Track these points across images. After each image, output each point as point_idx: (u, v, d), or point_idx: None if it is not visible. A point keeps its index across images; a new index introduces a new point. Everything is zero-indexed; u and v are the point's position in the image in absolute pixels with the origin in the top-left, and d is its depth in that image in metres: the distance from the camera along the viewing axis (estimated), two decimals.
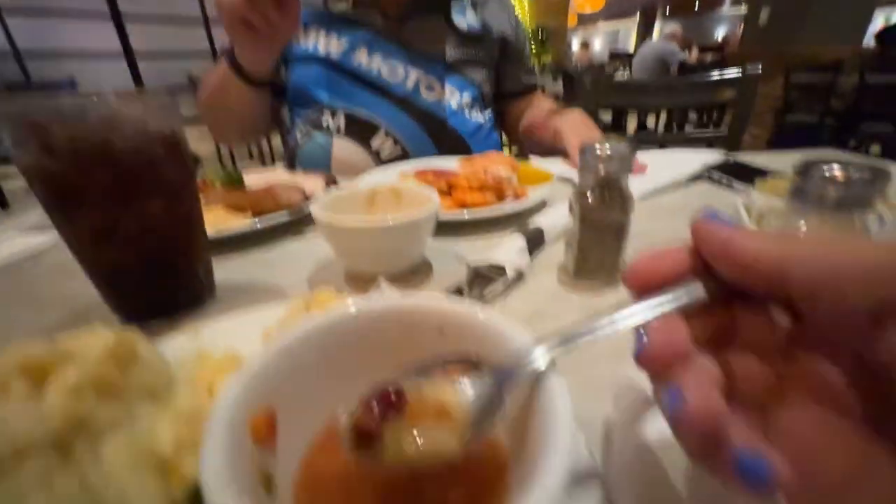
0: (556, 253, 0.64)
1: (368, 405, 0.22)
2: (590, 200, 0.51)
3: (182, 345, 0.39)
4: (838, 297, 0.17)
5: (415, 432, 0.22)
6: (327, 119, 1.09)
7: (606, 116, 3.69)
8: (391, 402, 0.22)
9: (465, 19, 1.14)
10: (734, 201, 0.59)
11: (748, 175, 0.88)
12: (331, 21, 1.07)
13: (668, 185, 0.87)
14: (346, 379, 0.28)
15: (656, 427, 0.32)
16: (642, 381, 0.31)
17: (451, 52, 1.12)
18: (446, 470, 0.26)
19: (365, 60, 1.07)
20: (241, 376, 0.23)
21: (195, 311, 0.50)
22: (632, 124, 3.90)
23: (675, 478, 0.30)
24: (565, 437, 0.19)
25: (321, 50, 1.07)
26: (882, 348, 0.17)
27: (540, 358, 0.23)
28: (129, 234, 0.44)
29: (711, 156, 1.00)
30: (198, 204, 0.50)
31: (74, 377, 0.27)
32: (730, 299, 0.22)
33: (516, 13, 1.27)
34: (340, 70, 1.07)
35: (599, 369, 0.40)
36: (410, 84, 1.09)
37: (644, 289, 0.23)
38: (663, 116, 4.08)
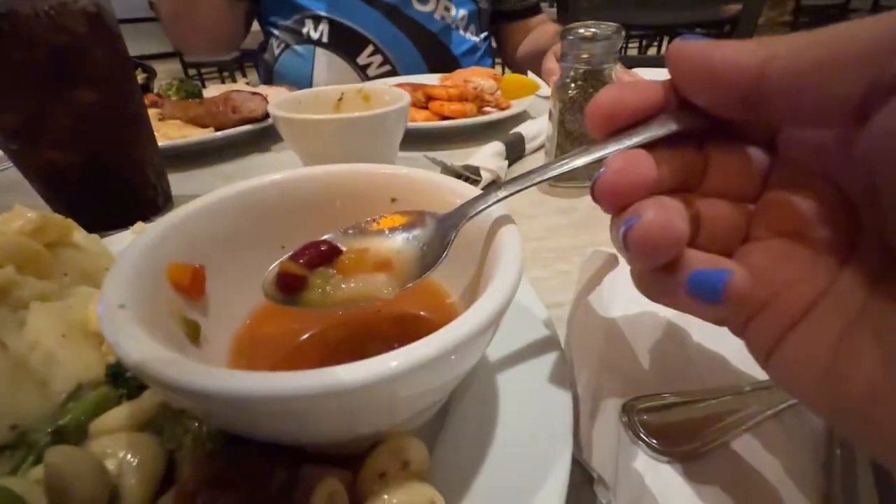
0: (536, 161, 0.61)
1: (296, 255, 0.21)
2: (570, 94, 0.47)
3: (129, 241, 0.37)
4: (822, 91, 0.15)
5: (348, 279, 0.20)
6: (309, 28, 0.98)
7: None
8: (320, 252, 0.21)
9: None
10: None
11: None
12: None
13: None
14: (286, 240, 0.26)
15: (616, 299, 0.31)
16: (599, 254, 0.30)
17: None
18: (395, 330, 0.25)
19: None
20: (159, 224, 0.20)
21: (152, 219, 0.47)
22: (632, 51, 3.69)
23: (635, 343, 0.29)
24: (514, 263, 0.18)
25: None
26: (865, 145, 0.15)
27: (484, 204, 0.21)
28: (61, 126, 0.40)
29: None
30: (141, 100, 0.45)
31: None
32: (702, 137, 0.20)
33: None
34: None
35: (574, 261, 0.39)
36: None
37: (609, 125, 0.20)
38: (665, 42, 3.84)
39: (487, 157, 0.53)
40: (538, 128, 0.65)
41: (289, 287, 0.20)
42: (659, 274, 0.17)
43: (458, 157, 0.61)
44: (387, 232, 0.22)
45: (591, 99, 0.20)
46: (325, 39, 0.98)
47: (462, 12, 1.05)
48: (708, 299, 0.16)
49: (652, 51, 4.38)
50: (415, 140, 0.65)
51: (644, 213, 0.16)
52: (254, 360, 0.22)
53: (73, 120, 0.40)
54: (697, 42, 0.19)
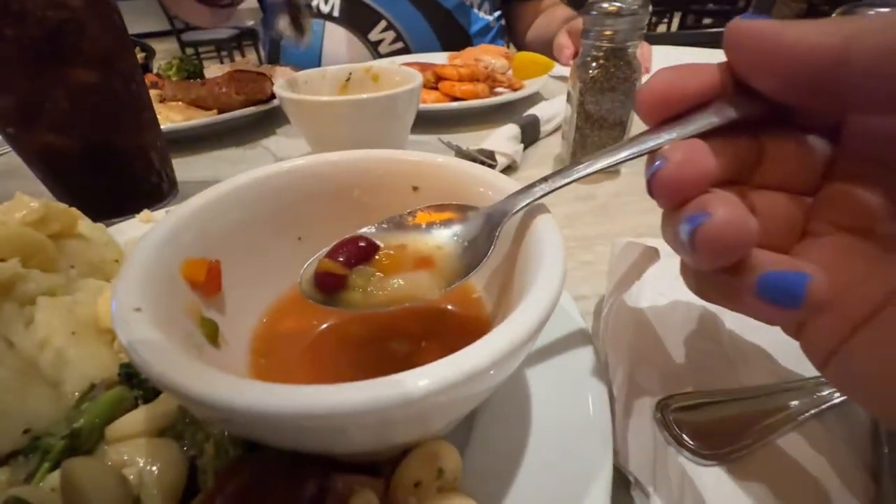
0: (552, 146, 0.59)
1: (334, 252, 0.19)
2: (591, 73, 0.45)
3: (133, 227, 0.35)
4: None
5: (390, 279, 0.19)
6: (319, 0, 0.95)
7: None
8: (359, 249, 0.19)
9: None
10: None
11: None
12: None
13: None
14: (309, 243, 0.25)
15: (645, 292, 0.30)
16: (635, 246, 0.29)
17: None
18: (420, 327, 0.23)
19: None
20: (170, 218, 0.19)
21: (159, 206, 0.46)
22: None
23: (666, 338, 0.28)
24: (557, 262, 0.16)
25: None
26: None
27: (529, 199, 0.20)
28: (59, 108, 0.38)
29: None
30: (142, 82, 0.43)
31: None
32: (756, 125, 0.18)
33: None
34: None
35: (597, 251, 0.38)
36: None
37: (663, 111, 0.18)
38: (676, 19, 3.70)
39: (503, 140, 0.51)
40: (554, 109, 0.62)
41: (329, 287, 0.19)
42: (723, 275, 0.16)
43: (472, 139, 0.59)
44: (425, 227, 0.21)
45: (644, 83, 0.18)
46: (335, 13, 0.94)
47: None
48: (784, 304, 0.14)
49: (661, 28, 4.24)
50: (425, 122, 0.63)
51: (714, 211, 0.15)
52: (275, 360, 0.21)
53: (71, 101, 0.38)
54: (761, 21, 0.17)
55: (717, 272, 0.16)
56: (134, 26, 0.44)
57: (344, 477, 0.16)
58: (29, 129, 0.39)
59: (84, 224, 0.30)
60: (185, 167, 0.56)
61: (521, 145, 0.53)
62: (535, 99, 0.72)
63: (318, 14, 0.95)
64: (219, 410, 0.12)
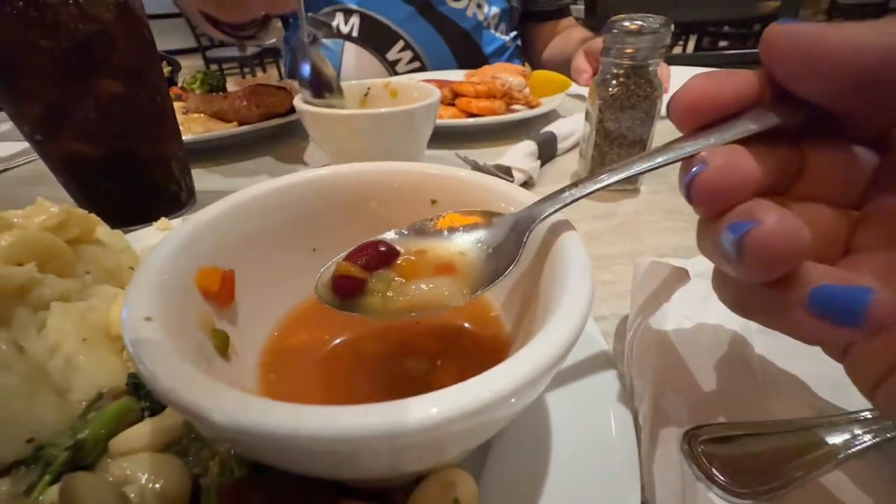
0: (569, 163, 0.58)
1: (353, 256, 0.19)
2: (611, 91, 0.45)
3: (151, 234, 0.36)
4: None
5: (410, 284, 0.18)
6: (339, 21, 0.97)
7: None
8: (378, 253, 0.19)
9: None
10: None
11: None
12: None
13: None
14: (324, 254, 0.24)
15: (672, 315, 0.29)
16: (661, 266, 0.28)
17: None
18: (436, 344, 0.22)
19: None
20: (186, 225, 0.19)
21: (176, 215, 0.46)
22: None
23: (692, 363, 0.27)
24: (584, 283, 0.15)
25: None
26: None
27: (559, 204, 0.19)
28: (85, 117, 0.39)
29: None
30: (167, 93, 0.44)
31: (7, 242, 0.23)
32: (797, 133, 0.18)
33: None
34: None
35: (616, 270, 0.37)
36: None
37: (698, 118, 0.17)
38: (692, 42, 3.71)
39: (519, 157, 0.50)
40: (570, 127, 0.62)
41: (346, 291, 0.18)
42: (769, 289, 0.15)
43: (488, 155, 0.59)
44: (447, 232, 0.20)
45: (677, 91, 0.18)
46: (354, 34, 0.97)
47: (494, 10, 1.02)
48: (840, 320, 0.13)
49: (677, 50, 4.26)
50: (441, 137, 0.63)
51: (763, 218, 0.14)
52: (285, 375, 0.20)
53: (98, 111, 0.39)
54: (802, 25, 0.16)
55: (762, 285, 0.15)
56: (162, 43, 0.45)
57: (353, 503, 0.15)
58: (55, 137, 0.40)
59: (102, 230, 0.30)
60: (204, 178, 0.57)
61: (538, 162, 0.52)
62: (551, 116, 0.71)
63: (338, 34, 0.98)
64: (224, 429, 0.11)
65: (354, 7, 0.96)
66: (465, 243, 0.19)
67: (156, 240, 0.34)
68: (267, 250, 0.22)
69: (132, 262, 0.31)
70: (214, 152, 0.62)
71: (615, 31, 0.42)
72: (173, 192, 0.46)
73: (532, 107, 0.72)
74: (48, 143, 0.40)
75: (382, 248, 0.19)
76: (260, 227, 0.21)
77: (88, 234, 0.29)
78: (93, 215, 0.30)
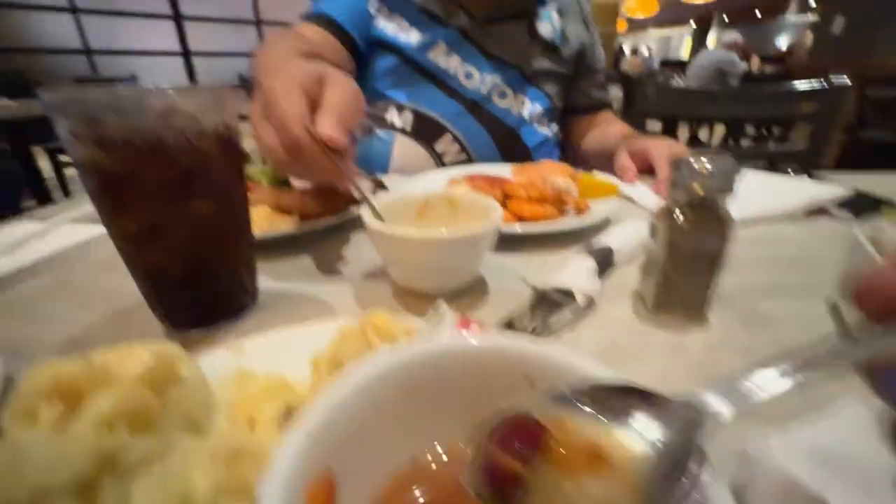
0: (626, 277, 0.57)
1: (502, 438, 0.16)
2: (680, 223, 0.44)
3: (224, 361, 0.36)
4: None
5: (577, 483, 0.15)
6: (393, 115, 1.05)
7: (655, 126, 3.49)
8: (531, 435, 0.16)
9: (549, 26, 1.08)
10: (853, 234, 0.49)
11: (869, 204, 0.78)
12: (413, 13, 1.02)
13: (775, 215, 0.73)
14: (414, 434, 0.23)
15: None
16: (779, 455, 0.24)
17: (531, 61, 1.07)
18: None
19: (443, 60, 1.03)
20: (297, 436, 0.18)
21: (237, 317, 0.47)
22: (682, 136, 3.68)
23: None
24: None
25: (401, 39, 1.02)
26: None
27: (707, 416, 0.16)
28: (176, 234, 0.41)
29: (829, 189, 0.81)
30: (247, 207, 0.47)
31: (108, 405, 0.23)
32: None
33: (595, 27, 1.20)
34: (415, 65, 1.03)
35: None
36: (485, 89, 1.04)
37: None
38: (718, 130, 3.83)
39: (580, 276, 0.50)
40: (623, 237, 0.62)
41: (500, 484, 0.15)
42: None
43: (538, 263, 0.59)
44: (598, 413, 0.16)
45: (865, 277, 0.17)
46: (408, 128, 1.04)
47: (538, 108, 1.09)
48: None
49: (702, 133, 4.38)
50: None
51: None
52: None
53: (188, 227, 0.42)
54: None
55: None
56: None
57: None
58: (142, 248, 0.42)
59: (184, 366, 0.30)
60: (260, 272, 0.58)
61: (600, 282, 0.51)
62: (602, 224, 0.72)
63: (392, 127, 1.05)
64: None
65: (407, 104, 1.04)
66: (631, 432, 0.16)
67: (229, 368, 0.34)
68: (363, 446, 0.21)
69: (206, 398, 0.31)
70: (271, 246, 0.64)
71: (683, 171, 0.43)
72: (238, 297, 0.48)
73: (581, 210, 0.73)
74: (137, 256, 0.42)
75: (531, 427, 0.16)
76: (360, 424, 0.20)
77: (173, 375, 0.29)
78: (179, 351, 0.30)
